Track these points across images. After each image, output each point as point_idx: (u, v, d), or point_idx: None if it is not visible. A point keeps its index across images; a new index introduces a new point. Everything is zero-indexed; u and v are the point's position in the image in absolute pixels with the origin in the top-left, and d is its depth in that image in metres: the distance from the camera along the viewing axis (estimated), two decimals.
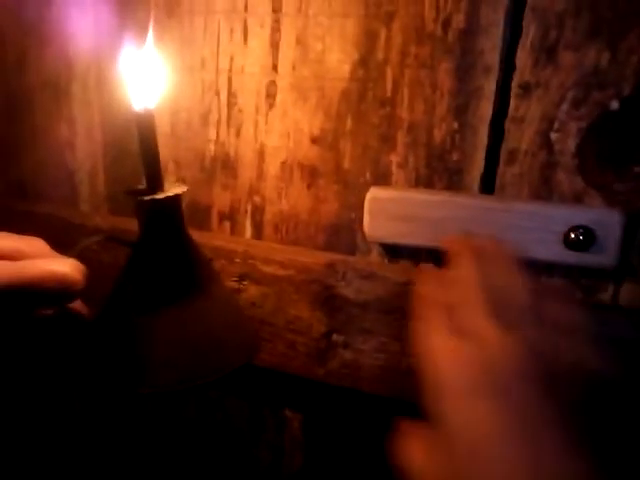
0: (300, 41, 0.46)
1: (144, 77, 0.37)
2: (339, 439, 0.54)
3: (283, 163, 0.50)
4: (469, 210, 0.43)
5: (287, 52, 0.47)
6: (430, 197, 0.44)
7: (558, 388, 0.27)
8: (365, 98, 0.46)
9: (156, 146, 0.37)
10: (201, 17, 0.50)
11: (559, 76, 0.40)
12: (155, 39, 0.38)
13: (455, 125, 0.43)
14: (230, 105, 0.50)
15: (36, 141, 0.60)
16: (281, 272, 0.49)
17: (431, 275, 0.37)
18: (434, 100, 0.43)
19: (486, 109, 0.42)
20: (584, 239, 0.40)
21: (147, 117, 0.36)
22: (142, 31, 0.38)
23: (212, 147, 0.52)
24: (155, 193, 0.37)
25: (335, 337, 0.48)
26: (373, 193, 0.45)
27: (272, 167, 0.50)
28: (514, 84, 0.41)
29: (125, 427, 0.64)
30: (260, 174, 0.51)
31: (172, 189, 0.38)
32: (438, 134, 0.44)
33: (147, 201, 0.37)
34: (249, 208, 0.52)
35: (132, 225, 0.39)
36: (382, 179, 0.47)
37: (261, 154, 0.50)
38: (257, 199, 0.52)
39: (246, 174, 0.52)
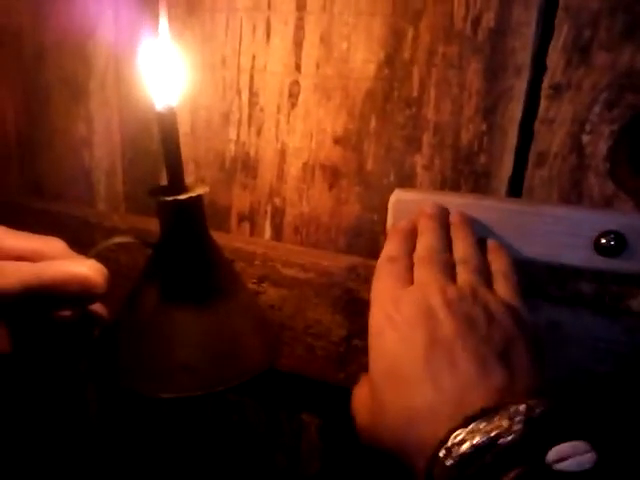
0: (324, 40, 0.46)
1: (164, 75, 0.36)
2: (356, 445, 0.53)
3: (305, 164, 0.49)
4: (496, 213, 0.42)
5: (311, 51, 0.46)
6: (456, 200, 0.43)
7: (475, 323, 0.32)
8: (390, 98, 0.45)
9: (178, 145, 0.36)
10: (223, 14, 0.49)
11: (591, 77, 0.39)
12: (174, 36, 0.37)
13: (483, 126, 0.42)
14: (251, 104, 0.50)
15: (53, 139, 0.60)
16: (301, 275, 0.48)
17: (401, 234, 0.41)
18: (462, 101, 0.42)
19: (515, 110, 0.41)
20: (615, 244, 0.39)
21: (169, 116, 0.35)
22: (161, 28, 0.37)
23: (232, 147, 0.51)
24: (178, 193, 0.36)
25: (355, 342, 0.47)
26: (397, 195, 0.44)
27: (293, 168, 0.50)
28: (545, 85, 0.40)
29: (142, 429, 0.63)
30: (281, 175, 0.50)
31: (194, 189, 0.37)
32: (465, 136, 0.43)
33: (170, 201, 0.36)
34: (269, 209, 0.52)
35: (150, 225, 0.39)
36: (406, 181, 0.46)
37: (282, 154, 0.50)
38: (277, 200, 0.51)
39: (266, 175, 0.51)
